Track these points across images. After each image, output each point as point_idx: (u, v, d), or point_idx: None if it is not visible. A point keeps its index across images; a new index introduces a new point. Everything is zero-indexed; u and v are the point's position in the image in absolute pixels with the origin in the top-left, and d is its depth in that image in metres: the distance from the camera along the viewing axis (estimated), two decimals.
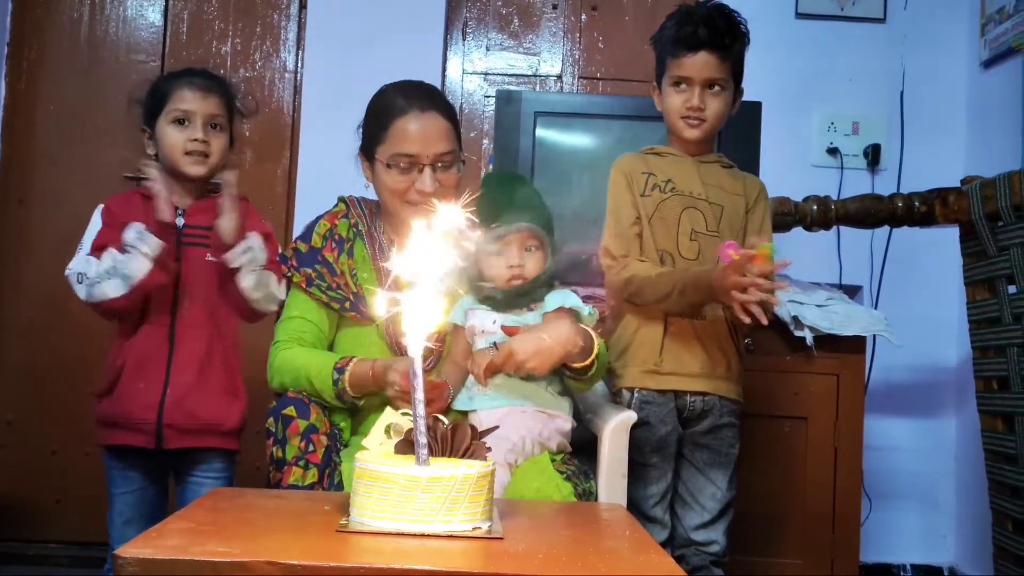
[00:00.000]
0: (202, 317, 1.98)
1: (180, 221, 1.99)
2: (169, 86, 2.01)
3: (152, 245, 1.88)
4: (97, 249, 1.94)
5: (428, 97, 1.88)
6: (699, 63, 1.91)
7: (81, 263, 1.93)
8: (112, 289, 1.88)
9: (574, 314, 1.78)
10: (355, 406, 1.81)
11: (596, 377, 1.85)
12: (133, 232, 1.89)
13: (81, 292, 1.92)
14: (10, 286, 3.06)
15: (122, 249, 1.89)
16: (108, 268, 1.88)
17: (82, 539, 2.93)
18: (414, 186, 1.85)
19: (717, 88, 1.93)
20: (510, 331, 1.76)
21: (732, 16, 1.94)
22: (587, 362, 1.77)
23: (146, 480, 2.01)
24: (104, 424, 1.99)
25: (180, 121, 1.99)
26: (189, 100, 1.99)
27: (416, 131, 1.84)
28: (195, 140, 1.97)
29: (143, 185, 1.99)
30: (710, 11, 1.93)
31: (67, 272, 1.94)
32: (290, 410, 1.70)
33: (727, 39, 1.92)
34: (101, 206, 2.02)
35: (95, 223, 2.00)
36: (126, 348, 1.98)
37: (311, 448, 1.67)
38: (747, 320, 1.74)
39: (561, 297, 1.79)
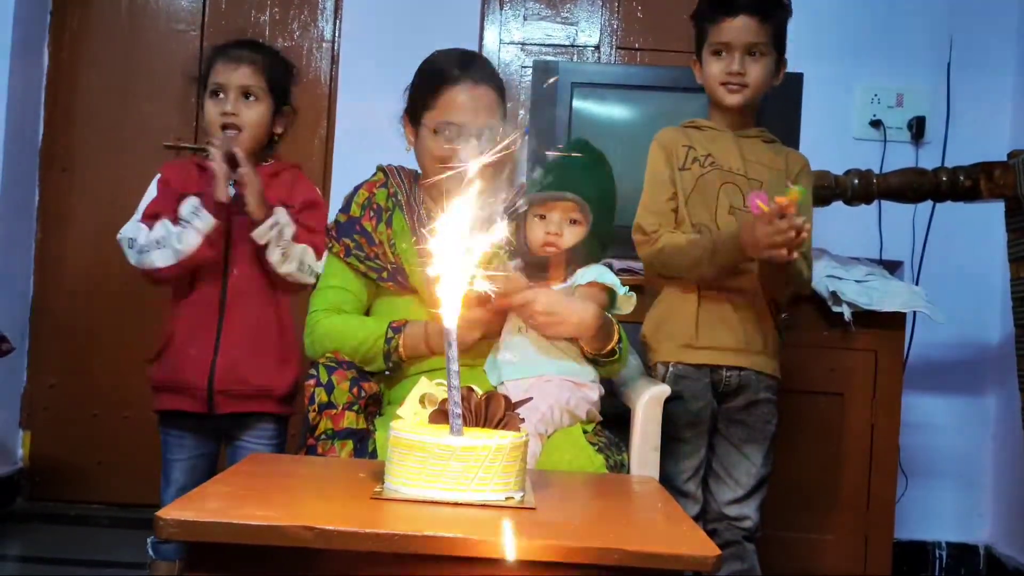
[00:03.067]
0: (253, 283, 2.00)
1: (232, 191, 2.00)
2: (210, 60, 2.04)
3: (206, 221, 1.91)
4: (149, 217, 1.97)
5: (482, 70, 1.91)
6: (739, 27, 1.89)
7: (132, 229, 1.97)
8: (160, 259, 1.93)
9: (608, 291, 1.78)
10: (397, 368, 1.83)
11: (615, 367, 1.84)
12: (189, 206, 1.92)
13: (131, 257, 1.97)
14: (54, 252, 3.10)
15: (175, 220, 1.93)
16: (158, 238, 1.93)
17: (123, 500, 2.99)
18: (458, 155, 1.85)
19: (758, 53, 1.91)
20: (541, 284, 1.76)
21: None
22: (602, 350, 1.77)
23: (199, 447, 2.04)
24: (157, 389, 2.03)
25: (215, 93, 2.01)
26: (221, 72, 2.01)
27: (467, 101, 1.86)
28: (225, 113, 1.99)
29: (202, 157, 2.01)
30: None
31: (119, 236, 1.99)
32: (332, 363, 1.77)
33: (768, 3, 1.90)
34: (159, 174, 2.05)
35: (151, 191, 2.03)
36: (177, 313, 2.02)
37: (362, 394, 1.74)
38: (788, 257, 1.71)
39: (596, 272, 1.78)
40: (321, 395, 1.72)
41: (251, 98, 2.01)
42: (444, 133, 1.87)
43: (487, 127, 1.85)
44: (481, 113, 1.87)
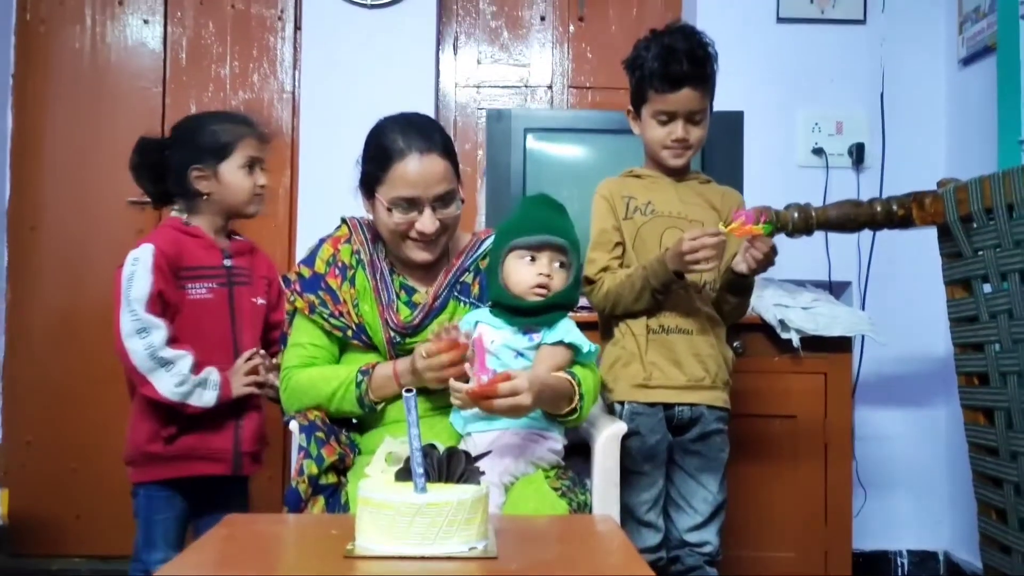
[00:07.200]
0: (261, 345, 2.13)
1: (228, 262, 2.11)
2: (232, 134, 2.11)
3: (218, 394, 2.02)
4: (155, 300, 1.97)
5: (427, 137, 1.88)
6: (683, 99, 1.97)
7: (143, 324, 1.95)
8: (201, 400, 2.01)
9: (572, 350, 1.81)
10: (372, 411, 1.88)
11: (574, 422, 1.85)
12: (212, 382, 2.02)
13: (141, 348, 1.95)
14: (23, 310, 3.14)
15: (171, 299, 2.02)
16: (181, 379, 1.97)
17: (103, 553, 3.03)
18: (415, 226, 1.88)
19: (699, 117, 2.00)
20: (488, 389, 1.67)
21: (704, 42, 2.00)
22: (560, 412, 1.81)
23: (181, 504, 2.09)
24: (180, 458, 2.04)
25: (249, 167, 2.11)
26: (257, 148, 2.13)
27: (416, 174, 1.85)
28: (262, 186, 2.13)
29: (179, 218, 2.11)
30: (690, 45, 1.96)
31: (130, 329, 1.95)
32: (321, 434, 1.83)
33: (706, 70, 1.98)
34: (150, 247, 2.00)
35: (141, 270, 1.98)
36: None
37: (342, 465, 1.84)
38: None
39: (562, 331, 1.80)
40: (311, 468, 1.77)
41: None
42: (398, 207, 1.87)
43: (439, 194, 1.87)
44: (431, 183, 1.86)
